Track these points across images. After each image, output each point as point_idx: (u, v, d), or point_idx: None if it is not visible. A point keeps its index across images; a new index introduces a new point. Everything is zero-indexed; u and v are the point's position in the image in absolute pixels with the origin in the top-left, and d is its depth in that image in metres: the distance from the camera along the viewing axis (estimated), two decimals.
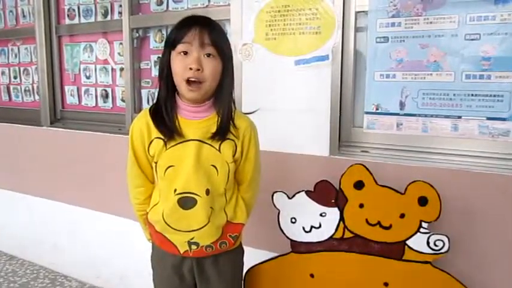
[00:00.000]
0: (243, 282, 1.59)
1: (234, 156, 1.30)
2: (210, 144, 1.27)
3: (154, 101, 1.31)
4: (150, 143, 1.28)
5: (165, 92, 1.27)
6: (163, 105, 1.26)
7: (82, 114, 2.67)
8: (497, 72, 1.48)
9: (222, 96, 1.27)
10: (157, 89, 1.30)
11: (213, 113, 1.29)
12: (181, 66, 1.20)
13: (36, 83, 2.85)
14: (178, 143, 1.26)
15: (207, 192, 1.27)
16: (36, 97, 2.88)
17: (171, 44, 1.23)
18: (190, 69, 1.19)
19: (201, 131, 1.26)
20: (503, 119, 1.49)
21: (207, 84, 1.23)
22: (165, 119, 1.25)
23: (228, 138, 1.29)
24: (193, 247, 1.31)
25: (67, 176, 2.60)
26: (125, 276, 2.45)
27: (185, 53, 1.20)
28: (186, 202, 1.27)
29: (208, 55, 1.21)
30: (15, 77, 3.03)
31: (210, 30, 1.21)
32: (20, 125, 2.84)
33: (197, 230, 1.29)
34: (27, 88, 2.98)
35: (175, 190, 1.27)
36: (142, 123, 1.29)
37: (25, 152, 2.82)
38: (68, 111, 2.74)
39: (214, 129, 1.26)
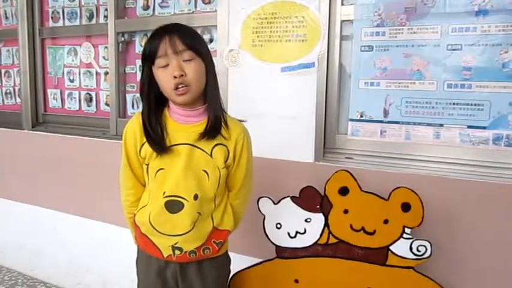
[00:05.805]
0: None
1: (225, 162, 1.30)
2: (201, 149, 1.27)
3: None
4: (142, 145, 1.29)
5: (147, 110, 1.28)
6: (147, 122, 1.27)
7: (65, 118, 2.63)
8: (477, 82, 1.52)
9: (211, 95, 1.28)
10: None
11: (205, 118, 1.29)
12: (165, 78, 1.22)
13: (18, 86, 2.80)
14: (170, 147, 1.26)
15: (195, 197, 1.27)
16: (18, 100, 2.83)
17: (148, 60, 1.24)
18: (175, 77, 1.20)
19: (194, 136, 1.27)
20: (483, 128, 1.53)
21: (194, 87, 1.23)
22: (150, 133, 1.26)
23: (220, 144, 1.29)
24: (177, 252, 1.31)
25: (48, 180, 2.55)
26: (107, 283, 2.41)
27: (165, 65, 1.21)
28: (173, 205, 1.27)
29: (188, 60, 1.21)
30: None
31: (180, 36, 1.21)
32: (0, 128, 2.78)
33: (181, 235, 1.29)
34: (8, 91, 2.92)
35: (164, 193, 1.28)
36: (136, 126, 1.30)
37: (6, 156, 2.76)
38: (51, 114, 2.70)
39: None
